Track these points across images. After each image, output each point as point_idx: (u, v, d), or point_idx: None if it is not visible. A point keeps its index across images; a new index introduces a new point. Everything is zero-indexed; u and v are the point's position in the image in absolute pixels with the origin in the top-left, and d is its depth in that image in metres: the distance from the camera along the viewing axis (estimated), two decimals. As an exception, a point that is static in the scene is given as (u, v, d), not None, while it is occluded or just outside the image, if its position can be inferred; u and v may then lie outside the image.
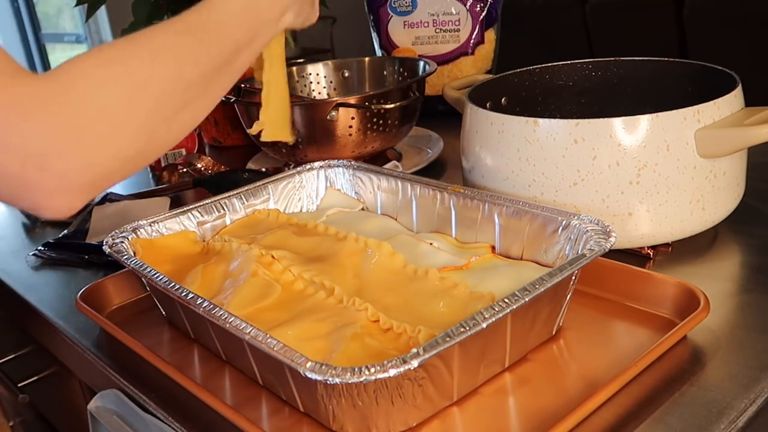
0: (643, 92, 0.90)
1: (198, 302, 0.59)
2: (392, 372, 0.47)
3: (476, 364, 0.56)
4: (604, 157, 0.71)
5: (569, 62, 0.95)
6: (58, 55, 4.79)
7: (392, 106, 1.01)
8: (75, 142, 0.49)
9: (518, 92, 0.95)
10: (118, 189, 1.15)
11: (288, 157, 1.08)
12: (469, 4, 1.33)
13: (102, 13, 4.35)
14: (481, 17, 1.33)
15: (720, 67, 0.81)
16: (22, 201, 0.51)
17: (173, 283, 0.62)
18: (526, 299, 0.54)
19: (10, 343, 1.01)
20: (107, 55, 0.53)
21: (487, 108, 0.81)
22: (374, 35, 1.42)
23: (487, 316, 0.51)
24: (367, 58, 1.26)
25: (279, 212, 0.84)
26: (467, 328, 0.50)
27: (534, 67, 0.95)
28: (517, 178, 0.76)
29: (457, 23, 1.34)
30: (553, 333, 0.64)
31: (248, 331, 0.53)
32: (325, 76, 1.26)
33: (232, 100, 1.08)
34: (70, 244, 0.93)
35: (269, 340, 0.52)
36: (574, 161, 0.72)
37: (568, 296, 0.63)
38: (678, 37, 2.62)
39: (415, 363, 0.47)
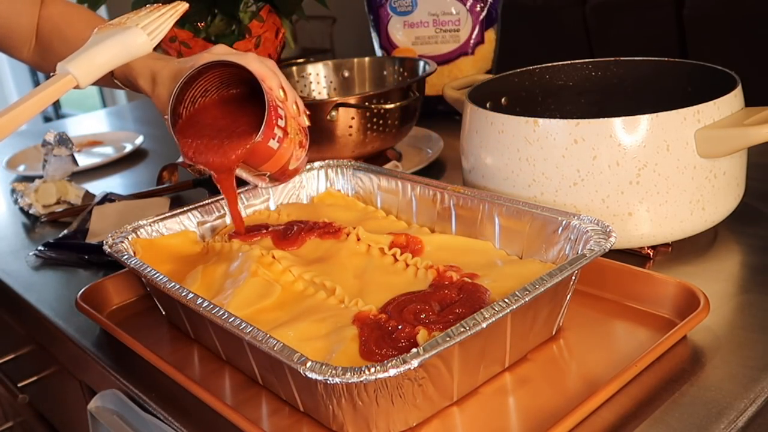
0: (643, 92, 0.90)
1: (198, 302, 0.59)
2: (392, 372, 0.47)
3: (476, 364, 0.56)
4: (604, 157, 0.71)
5: (569, 62, 0.95)
6: (58, 55, 4.78)
7: (392, 106, 1.01)
8: None
9: (518, 92, 0.95)
10: (118, 189, 1.15)
11: (288, 157, 1.08)
12: (469, 4, 1.33)
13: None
14: (481, 17, 1.33)
15: (720, 67, 0.81)
16: None
17: (173, 283, 0.62)
18: (526, 299, 0.54)
19: (10, 343, 1.01)
20: None
21: (487, 108, 0.81)
22: (374, 35, 1.42)
23: (487, 315, 0.52)
24: (367, 58, 1.26)
25: (279, 212, 0.84)
26: (467, 328, 0.50)
27: (534, 67, 0.95)
28: (517, 178, 0.76)
29: (457, 23, 1.34)
30: (553, 333, 0.64)
31: (248, 331, 0.53)
32: (325, 76, 1.26)
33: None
34: (70, 244, 0.93)
35: (269, 340, 0.52)
36: (574, 161, 0.72)
37: (568, 296, 0.63)
38: (678, 37, 2.62)
39: (415, 363, 0.47)
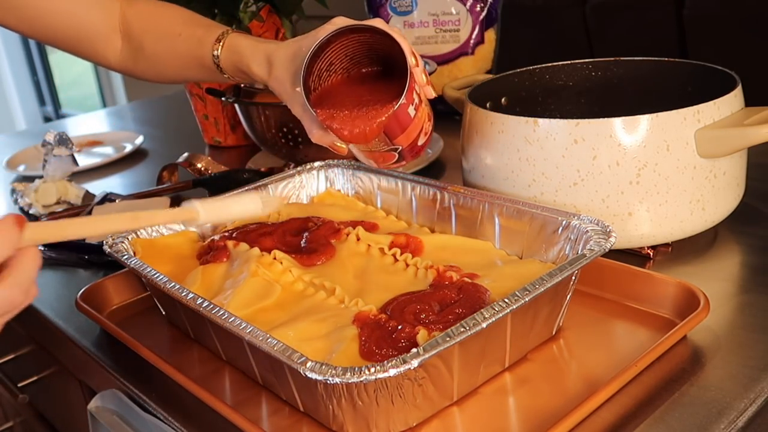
0: (643, 92, 0.90)
1: (198, 302, 0.59)
2: (392, 372, 0.47)
3: (476, 364, 0.56)
4: (604, 157, 0.71)
5: (569, 62, 0.95)
6: (58, 55, 4.78)
7: (392, 106, 1.01)
8: None
9: (518, 92, 0.95)
10: (118, 189, 1.15)
11: (288, 157, 1.08)
12: (469, 4, 1.33)
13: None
14: (481, 17, 1.33)
15: (720, 67, 0.81)
16: None
17: (173, 283, 0.62)
18: (526, 299, 0.54)
19: (10, 343, 1.01)
20: None
21: (487, 108, 0.81)
22: (374, 35, 1.42)
23: (487, 315, 0.52)
24: (367, 58, 1.26)
25: (279, 212, 0.84)
26: (467, 328, 0.50)
27: (534, 67, 0.95)
28: (517, 178, 0.76)
29: (457, 23, 1.34)
30: (553, 333, 0.64)
31: (248, 331, 0.53)
32: (325, 76, 1.26)
33: (231, 100, 1.08)
34: (70, 244, 0.93)
35: (269, 340, 0.52)
36: (574, 161, 0.72)
37: (568, 296, 0.63)
38: (678, 37, 2.62)
39: (415, 363, 0.47)
